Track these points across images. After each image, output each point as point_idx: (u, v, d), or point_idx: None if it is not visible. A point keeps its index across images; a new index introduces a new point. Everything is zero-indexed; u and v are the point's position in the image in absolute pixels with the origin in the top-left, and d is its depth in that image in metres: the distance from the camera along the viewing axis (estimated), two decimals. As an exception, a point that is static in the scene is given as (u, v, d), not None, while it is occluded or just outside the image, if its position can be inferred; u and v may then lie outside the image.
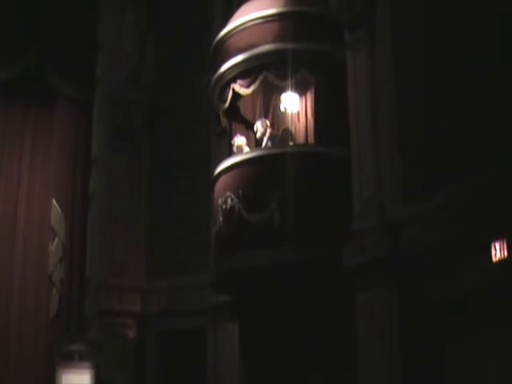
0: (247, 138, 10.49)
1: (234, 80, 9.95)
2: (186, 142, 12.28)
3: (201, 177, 11.48)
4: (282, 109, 10.39)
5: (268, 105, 10.63)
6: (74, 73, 12.98)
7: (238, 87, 9.89)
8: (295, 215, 8.90)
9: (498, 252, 6.54)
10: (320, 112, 9.74)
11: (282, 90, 10.03)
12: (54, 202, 12.94)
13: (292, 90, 9.87)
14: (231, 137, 10.42)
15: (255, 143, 10.45)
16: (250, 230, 9.15)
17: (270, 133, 10.14)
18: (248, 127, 10.68)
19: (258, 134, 10.15)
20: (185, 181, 12.07)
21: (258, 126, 10.16)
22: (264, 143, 10.06)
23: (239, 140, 10.23)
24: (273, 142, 9.98)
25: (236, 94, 10.03)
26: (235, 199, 9.32)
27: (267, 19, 9.70)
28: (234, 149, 10.18)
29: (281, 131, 10.45)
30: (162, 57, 12.93)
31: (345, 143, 8.88)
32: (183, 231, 11.93)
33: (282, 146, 9.81)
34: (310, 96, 10.25)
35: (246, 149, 10.15)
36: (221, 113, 10.40)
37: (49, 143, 13.28)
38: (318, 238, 8.88)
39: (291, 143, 10.03)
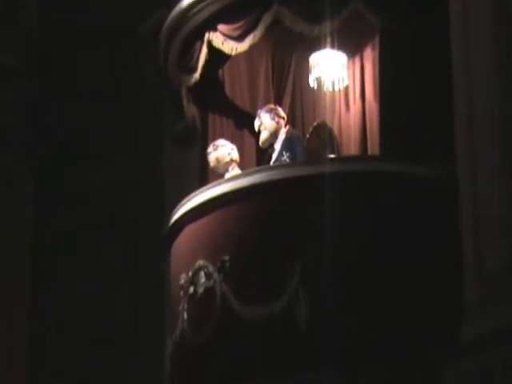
0: (240, 146, 10.81)
1: (211, 25, 10.31)
2: (110, 150, 12.43)
3: (143, 224, 11.53)
4: (311, 84, 10.85)
5: (283, 76, 11.25)
6: None
7: (221, 39, 10.21)
8: (341, 305, 8.78)
9: None
10: (391, 90, 9.86)
11: (313, 44, 10.41)
12: None
13: (334, 46, 10.22)
14: (206, 143, 10.74)
15: (256, 155, 10.96)
16: (245, 337, 9.14)
17: (288, 133, 10.36)
18: (241, 123, 11.11)
19: (264, 136, 10.35)
20: (108, 232, 12.21)
21: (264, 120, 10.43)
22: (275, 156, 10.40)
23: (222, 150, 10.49)
24: (292, 152, 10.23)
25: (216, 54, 10.33)
26: (215, 274, 9.41)
27: None
28: (212, 167, 10.53)
29: (310, 130, 10.84)
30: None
31: (445, 154, 9.04)
32: (105, 341, 12.27)
33: (312, 160, 10.09)
34: (369, 57, 10.92)
35: (236, 170, 10.42)
36: (184, 93, 10.78)
37: None
38: (391, 351, 8.82)
39: (332, 155, 10.35)
